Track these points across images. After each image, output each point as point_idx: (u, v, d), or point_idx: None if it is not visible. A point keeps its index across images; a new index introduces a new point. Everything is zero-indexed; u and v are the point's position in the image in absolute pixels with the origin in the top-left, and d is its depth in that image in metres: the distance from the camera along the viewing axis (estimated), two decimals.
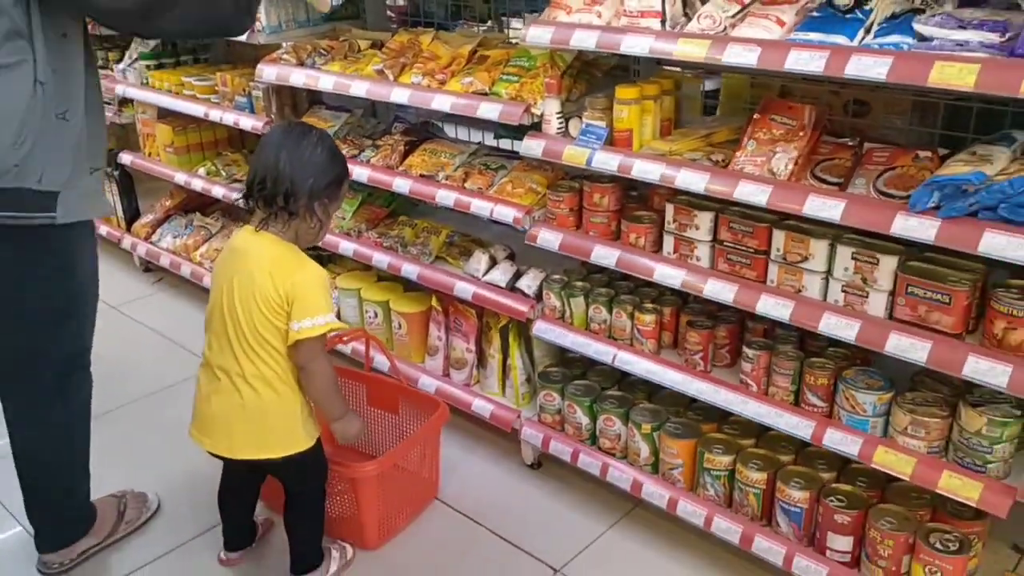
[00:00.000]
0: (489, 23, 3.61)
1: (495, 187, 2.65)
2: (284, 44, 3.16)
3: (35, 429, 2.15)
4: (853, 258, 1.90)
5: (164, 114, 3.87)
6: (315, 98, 3.38)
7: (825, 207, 1.84)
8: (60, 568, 2.29)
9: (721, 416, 2.35)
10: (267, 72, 3.05)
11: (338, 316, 3.11)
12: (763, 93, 2.42)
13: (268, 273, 1.92)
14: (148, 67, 3.82)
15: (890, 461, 1.91)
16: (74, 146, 1.89)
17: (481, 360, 2.83)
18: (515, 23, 3.36)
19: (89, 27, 1.98)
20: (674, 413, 2.43)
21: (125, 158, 4.06)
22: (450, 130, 3.37)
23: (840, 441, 1.98)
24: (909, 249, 1.89)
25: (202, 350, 2.10)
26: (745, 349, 2.17)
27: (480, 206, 2.58)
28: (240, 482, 2.27)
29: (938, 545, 1.89)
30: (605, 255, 2.33)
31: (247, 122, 3.28)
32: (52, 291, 2.02)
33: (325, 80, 2.88)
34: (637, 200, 2.49)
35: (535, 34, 2.24)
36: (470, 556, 2.39)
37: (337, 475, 2.32)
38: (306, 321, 1.92)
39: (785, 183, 1.94)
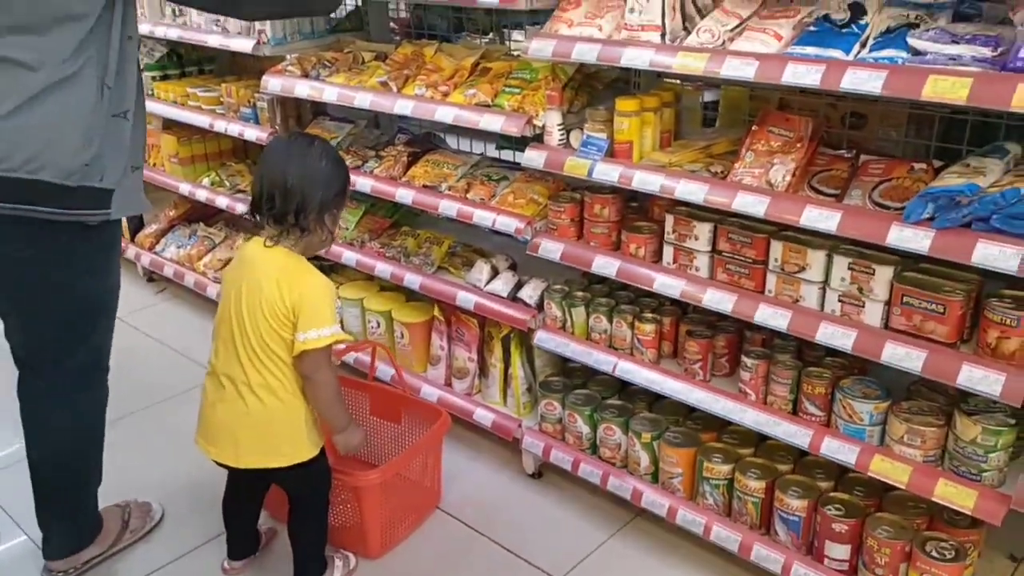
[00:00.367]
0: (491, 35, 3.65)
1: (497, 198, 2.68)
2: (288, 56, 3.20)
3: (53, 427, 2.17)
4: (849, 268, 1.93)
5: (169, 125, 3.90)
6: (319, 109, 3.41)
7: (822, 218, 1.87)
8: None
9: (720, 425, 2.37)
10: (272, 83, 3.08)
11: (341, 326, 3.13)
12: (762, 105, 2.46)
13: (275, 283, 1.94)
14: (154, 78, 3.86)
15: (887, 470, 1.93)
16: (128, 145, 1.97)
17: (483, 369, 2.85)
18: (516, 35, 3.40)
19: None
20: (674, 422, 2.45)
21: None
22: (452, 141, 3.41)
23: (837, 450, 2.00)
24: (904, 260, 1.91)
25: (208, 358, 2.12)
26: (744, 358, 2.20)
27: (482, 216, 2.61)
28: (244, 491, 2.29)
29: (934, 553, 1.91)
30: (606, 265, 2.35)
31: (252, 133, 3.32)
32: (92, 287, 2.09)
33: (329, 91, 2.91)
34: (637, 211, 2.52)
35: (537, 47, 2.28)
36: (471, 565, 2.41)
37: (340, 484, 2.34)
38: (312, 332, 1.94)
39: (783, 194, 1.97)
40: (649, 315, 2.41)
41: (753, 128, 2.12)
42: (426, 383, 2.95)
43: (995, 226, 1.66)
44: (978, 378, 1.73)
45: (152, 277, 4.22)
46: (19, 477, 2.31)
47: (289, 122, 3.36)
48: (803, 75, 1.81)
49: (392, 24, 3.58)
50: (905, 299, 1.85)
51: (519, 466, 2.78)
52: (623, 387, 2.63)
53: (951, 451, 1.89)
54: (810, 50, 1.85)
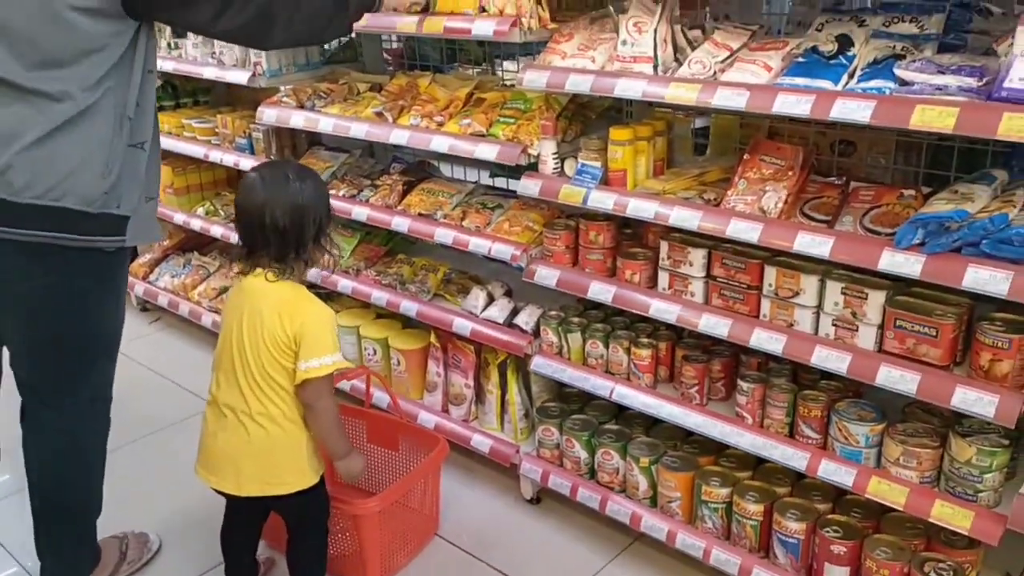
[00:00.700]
0: (483, 66, 3.70)
1: (493, 225, 2.71)
2: (283, 87, 3.24)
3: (56, 456, 2.17)
4: (842, 293, 1.96)
5: (164, 155, 3.91)
6: (314, 139, 3.45)
7: (815, 243, 1.91)
8: None
9: (717, 449, 2.39)
10: (268, 114, 3.12)
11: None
12: (752, 133, 2.51)
13: (276, 314, 1.96)
14: None
15: (884, 491, 1.95)
16: (143, 174, 2.01)
17: (479, 396, 2.87)
18: (508, 65, 3.45)
19: None
20: (671, 446, 2.47)
21: None
22: (446, 169, 3.44)
23: (834, 472, 2.02)
24: (896, 284, 1.95)
25: (209, 388, 2.13)
26: (740, 382, 2.22)
27: (478, 244, 2.64)
28: (243, 520, 2.29)
29: (932, 574, 1.93)
30: (602, 291, 2.38)
31: (247, 163, 3.34)
32: (102, 318, 2.11)
33: (325, 122, 2.95)
34: (631, 237, 2.55)
35: (532, 78, 2.32)
36: None
37: (339, 512, 2.34)
38: (313, 361, 1.96)
39: (776, 220, 2.00)
40: (645, 340, 2.44)
41: (745, 157, 2.16)
42: (423, 410, 2.96)
43: (985, 251, 1.69)
44: (972, 400, 1.76)
45: (146, 307, 4.22)
46: (13, 507, 2.30)
47: (284, 152, 3.39)
48: (793, 105, 1.86)
49: (385, 55, 3.63)
50: (898, 323, 1.88)
51: (517, 492, 2.78)
52: (620, 412, 2.65)
53: (947, 472, 1.91)
54: (799, 80, 1.90)
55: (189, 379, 3.55)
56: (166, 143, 3.73)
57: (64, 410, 2.14)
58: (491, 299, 2.78)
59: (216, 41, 3.30)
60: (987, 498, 1.86)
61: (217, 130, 3.55)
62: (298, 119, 3.04)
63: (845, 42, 1.93)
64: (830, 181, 2.11)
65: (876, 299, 1.92)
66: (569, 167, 2.44)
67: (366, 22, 2.62)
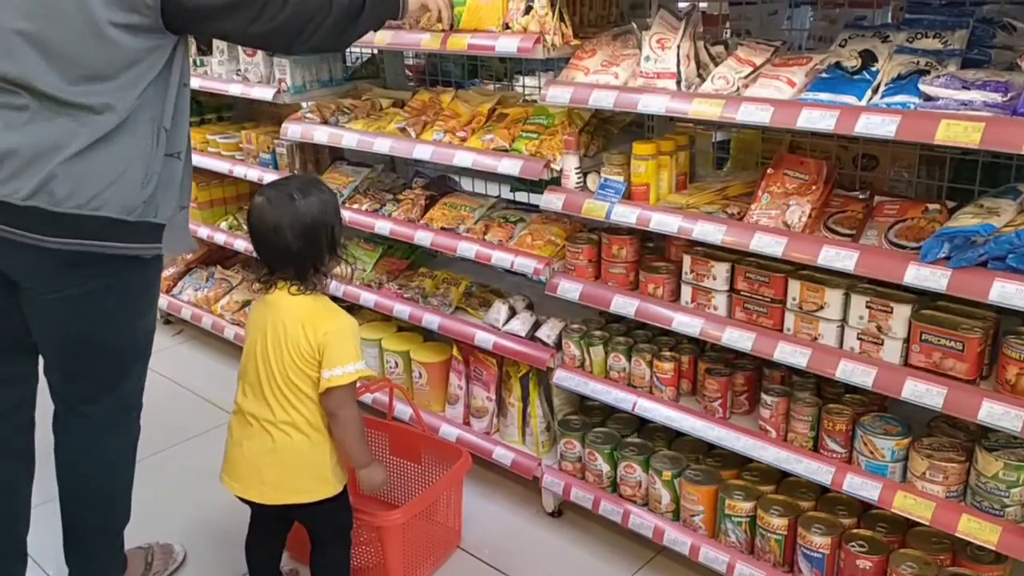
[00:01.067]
0: (504, 82, 3.73)
1: (515, 239, 2.73)
2: (306, 104, 3.29)
3: (88, 463, 2.20)
4: (867, 307, 1.97)
5: None
6: (336, 154, 3.49)
7: (839, 257, 1.92)
8: None
9: (740, 462, 2.39)
10: (292, 130, 3.16)
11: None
12: (773, 147, 2.52)
13: (300, 324, 1.99)
14: None
15: (910, 506, 1.95)
16: (179, 183, 2.06)
17: (501, 409, 2.88)
18: (529, 81, 3.48)
19: None
20: (694, 460, 2.47)
21: None
22: (467, 184, 3.48)
23: (860, 486, 2.02)
24: (921, 298, 1.95)
25: (235, 398, 2.15)
26: (763, 396, 2.23)
27: (501, 258, 2.66)
28: (268, 530, 2.31)
29: None
30: (624, 305, 2.39)
31: (271, 178, 3.38)
32: (137, 326, 2.15)
33: (349, 137, 2.99)
34: (653, 251, 2.56)
35: (555, 94, 2.35)
36: None
37: (363, 524, 2.36)
38: (337, 370, 1.98)
39: (800, 235, 2.01)
40: (667, 353, 2.45)
41: (769, 171, 2.17)
42: (445, 422, 2.97)
43: (1011, 265, 1.70)
44: (999, 414, 1.76)
45: (169, 319, 4.27)
46: (41, 516, 2.33)
47: (307, 167, 3.43)
48: (818, 120, 1.87)
49: (407, 71, 3.67)
50: (924, 336, 1.89)
51: (539, 504, 2.79)
52: (642, 425, 2.66)
53: (973, 486, 1.91)
54: (823, 96, 1.91)
55: (212, 391, 3.58)
56: (192, 158, 3.80)
57: (96, 418, 2.17)
58: (513, 312, 2.79)
59: (241, 58, 3.36)
60: (1014, 513, 1.85)
61: (241, 145, 3.60)
62: (322, 135, 3.08)
63: (869, 58, 1.95)
64: (854, 195, 2.12)
65: (902, 313, 1.92)
66: (592, 182, 2.46)
67: (390, 40, 2.67)
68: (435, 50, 2.57)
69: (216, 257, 4.21)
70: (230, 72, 3.48)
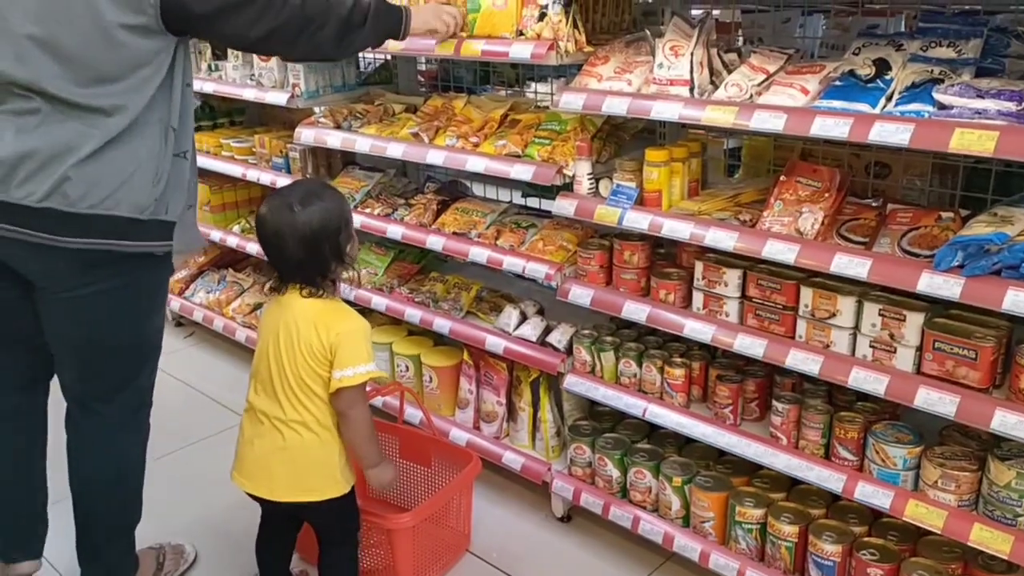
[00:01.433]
0: (516, 88, 3.75)
1: (527, 244, 2.74)
2: (319, 108, 3.31)
3: (100, 461, 2.23)
4: (880, 314, 1.97)
5: (201, 174, 3.99)
6: (348, 159, 3.51)
7: (852, 265, 1.92)
8: None
9: (751, 469, 2.39)
10: (305, 134, 3.18)
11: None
12: (785, 154, 2.52)
13: (312, 325, 2.00)
14: None
15: (921, 514, 1.94)
16: (187, 182, 2.10)
17: (511, 413, 2.88)
18: (540, 87, 3.50)
19: None
20: (704, 466, 2.47)
21: None
22: (479, 189, 3.49)
23: (872, 494, 2.01)
24: (934, 306, 1.95)
25: (247, 396, 2.17)
26: (775, 403, 2.23)
27: (512, 263, 2.67)
28: (278, 530, 2.32)
29: None
30: (636, 311, 2.40)
31: (284, 182, 3.40)
32: (149, 324, 2.19)
33: (362, 142, 3.00)
34: (665, 257, 2.57)
35: (568, 100, 2.36)
36: None
37: (373, 527, 2.36)
38: (348, 370, 2.00)
39: (813, 242, 2.02)
40: (679, 359, 2.45)
41: (781, 178, 2.18)
42: (455, 426, 2.98)
43: None
44: (1012, 423, 1.76)
45: (180, 321, 4.29)
46: (53, 516, 2.35)
47: (320, 171, 3.45)
48: (831, 128, 1.88)
49: (420, 76, 3.69)
50: (937, 345, 1.89)
51: (548, 509, 2.79)
52: (652, 430, 2.66)
53: (985, 496, 1.90)
54: (837, 103, 1.92)
55: (223, 393, 3.60)
56: (204, 162, 3.83)
57: (108, 417, 2.20)
58: (524, 317, 2.80)
59: (256, 63, 3.38)
60: None
61: (254, 149, 3.63)
62: (335, 139, 3.10)
63: (883, 66, 1.95)
64: (867, 203, 2.12)
65: (915, 321, 1.92)
66: (604, 187, 2.47)
67: (404, 45, 2.68)
68: (449, 56, 2.59)
69: (228, 260, 4.23)
70: (244, 77, 3.51)
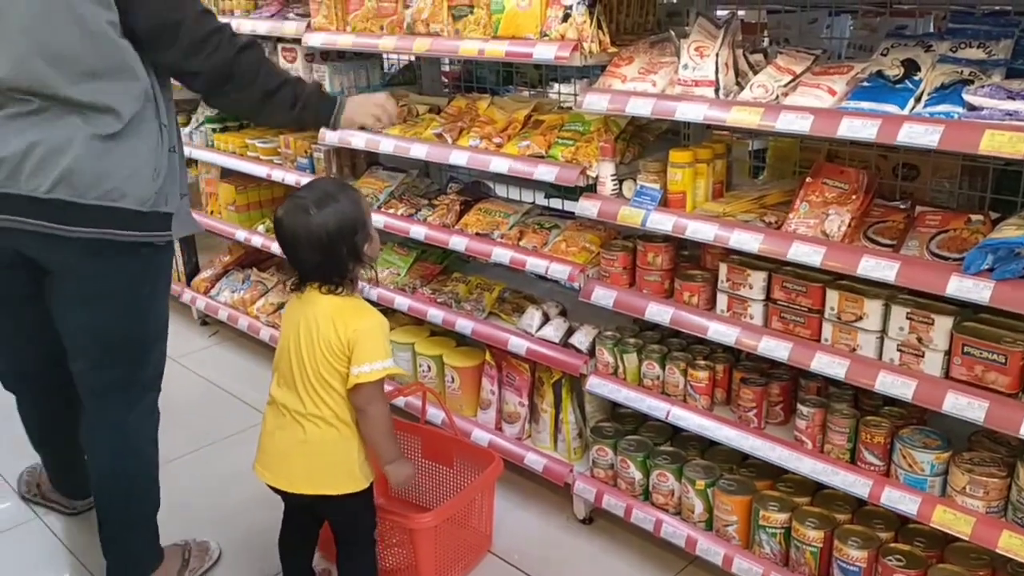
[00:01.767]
0: (540, 88, 3.75)
1: (550, 245, 2.74)
2: None
3: (115, 447, 2.31)
4: (908, 318, 1.95)
5: (226, 174, 4.05)
6: (372, 159, 3.52)
7: (879, 267, 1.90)
8: None
9: (774, 473, 2.37)
10: (330, 135, 3.20)
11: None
12: (811, 156, 2.50)
13: (331, 321, 2.03)
14: (214, 130, 4.02)
15: (949, 520, 1.92)
16: (178, 173, 2.21)
17: (533, 414, 2.89)
18: (564, 88, 3.50)
19: None
20: (727, 469, 2.46)
21: None
22: (501, 190, 3.49)
23: (898, 500, 1.99)
24: (963, 310, 1.93)
25: (269, 389, 2.19)
26: (800, 407, 2.21)
27: (535, 264, 2.67)
28: (300, 526, 2.34)
29: None
30: (659, 313, 2.39)
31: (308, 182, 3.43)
32: (156, 308, 2.30)
33: (386, 143, 3.02)
34: (689, 259, 2.56)
35: (592, 101, 2.36)
36: None
37: (395, 526, 2.37)
38: (365, 366, 2.02)
39: (839, 244, 2.00)
40: (702, 362, 2.44)
41: (807, 180, 2.16)
42: (477, 427, 2.99)
43: None
44: None
45: (205, 320, 4.34)
46: (80, 517, 2.39)
47: (344, 171, 3.48)
48: (859, 129, 1.86)
49: (443, 77, 3.70)
50: (966, 349, 1.86)
51: (569, 511, 2.79)
52: (675, 433, 2.65)
53: (1014, 502, 1.87)
54: (865, 105, 1.90)
55: (246, 392, 3.63)
56: (230, 162, 3.87)
57: (121, 403, 2.28)
58: (546, 318, 2.80)
59: (283, 64, 3.41)
60: None
61: (280, 150, 3.65)
62: (359, 140, 3.11)
63: (911, 67, 1.93)
64: (895, 205, 2.10)
65: (943, 325, 1.90)
66: (628, 189, 2.46)
67: (428, 47, 2.70)
68: (473, 58, 2.59)
69: (252, 260, 4.27)
70: None
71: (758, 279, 2.21)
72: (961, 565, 2.02)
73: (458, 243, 2.88)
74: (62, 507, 2.85)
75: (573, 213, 2.70)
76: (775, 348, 2.15)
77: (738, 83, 2.20)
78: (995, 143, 1.68)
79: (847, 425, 2.12)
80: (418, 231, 3.00)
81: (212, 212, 4.20)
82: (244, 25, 3.44)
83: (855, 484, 2.07)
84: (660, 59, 2.37)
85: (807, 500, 2.29)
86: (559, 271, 2.62)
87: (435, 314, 3.02)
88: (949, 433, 2.04)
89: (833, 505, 2.25)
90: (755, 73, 2.18)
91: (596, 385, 2.61)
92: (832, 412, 2.15)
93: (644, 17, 2.76)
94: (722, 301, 2.30)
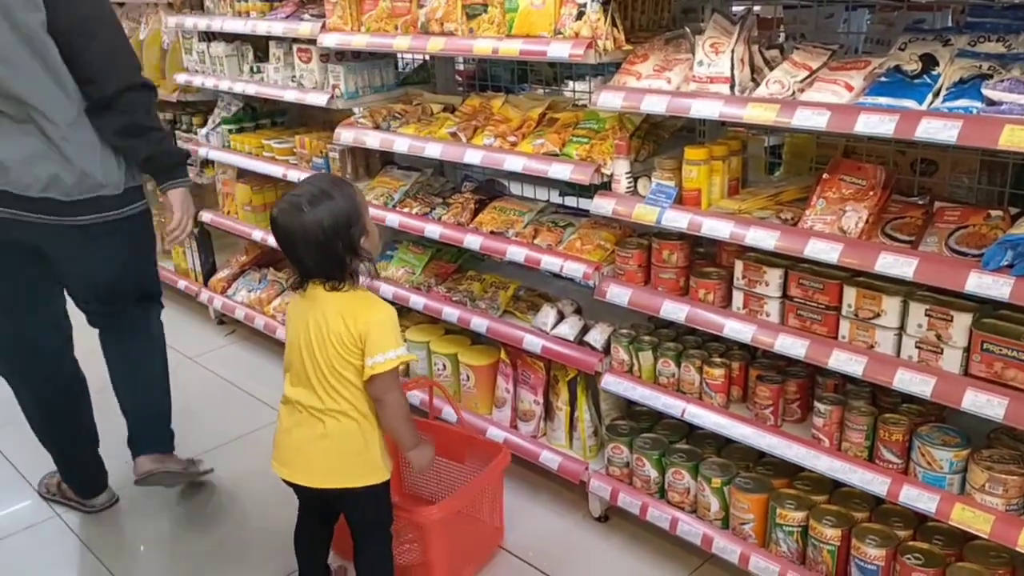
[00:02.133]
0: (554, 86, 3.75)
1: (564, 244, 2.74)
2: (357, 109, 3.34)
3: (139, 344, 2.79)
4: (927, 315, 1.93)
5: (243, 174, 4.07)
6: (387, 158, 3.53)
7: (898, 264, 1.88)
8: (148, 475, 2.73)
9: (791, 471, 2.36)
10: (345, 135, 3.21)
11: (407, 367, 3.24)
12: (828, 152, 2.49)
13: (340, 316, 2.04)
14: (230, 131, 4.04)
15: (968, 519, 1.90)
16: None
17: (548, 412, 2.89)
18: (579, 86, 3.49)
19: None
20: (743, 467, 2.45)
21: (205, 216, 4.26)
22: (516, 188, 3.49)
23: (917, 498, 1.98)
24: (983, 306, 1.91)
25: (284, 389, 2.20)
26: (817, 404, 2.20)
27: (550, 262, 2.67)
28: (315, 522, 2.35)
29: None
30: (674, 310, 2.38)
31: None
32: (148, 261, 2.78)
33: (400, 142, 3.03)
34: (704, 256, 2.55)
35: (607, 99, 2.35)
36: None
37: (405, 521, 2.38)
38: (379, 356, 2.03)
39: (856, 241, 1.99)
40: (718, 360, 2.43)
41: (824, 176, 2.15)
42: (492, 425, 2.99)
43: None
44: None
45: (222, 319, 4.36)
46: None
47: (359, 171, 3.49)
48: (876, 125, 1.84)
49: (457, 76, 3.71)
50: (985, 346, 1.85)
51: (585, 509, 2.79)
52: (690, 431, 2.64)
53: None
54: (882, 100, 1.89)
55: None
56: (246, 162, 3.90)
57: (143, 317, 2.78)
58: (561, 316, 2.80)
59: (297, 65, 3.43)
60: None
61: (295, 150, 3.67)
62: (374, 139, 3.12)
63: (929, 61, 1.91)
64: (913, 201, 2.08)
65: (962, 321, 1.88)
66: (643, 186, 2.45)
67: (442, 46, 2.70)
68: (487, 56, 2.60)
69: (269, 259, 4.29)
70: (286, 79, 3.56)
71: (774, 276, 2.20)
72: (980, 563, 2.00)
73: (473, 241, 2.88)
74: (81, 505, 2.89)
75: (588, 211, 2.70)
76: (792, 345, 2.14)
77: (754, 79, 2.19)
78: (1015, 138, 1.66)
79: (865, 423, 2.10)
80: (433, 230, 3.01)
81: (229, 212, 4.23)
82: (260, 27, 3.46)
83: (873, 482, 2.05)
84: (675, 56, 2.36)
85: (824, 498, 2.28)
86: (574, 269, 2.61)
87: (450, 312, 3.03)
88: (968, 430, 2.02)
89: (851, 503, 2.24)
90: (771, 69, 2.17)
91: (611, 383, 2.60)
92: (850, 409, 2.14)
93: (659, 14, 2.75)
94: (738, 298, 2.30)
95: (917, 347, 1.96)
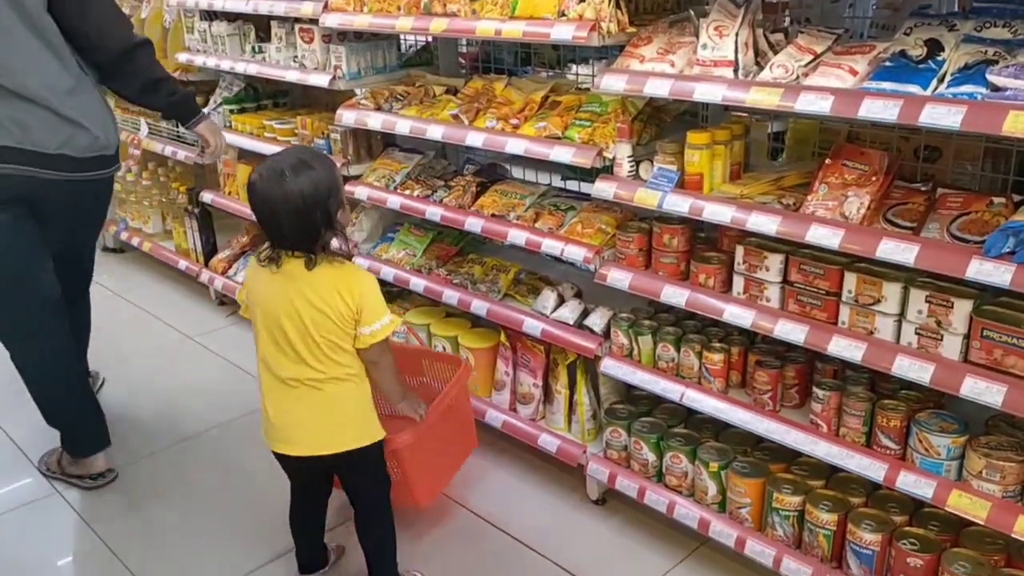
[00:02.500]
0: (557, 69, 3.73)
1: (565, 227, 2.74)
2: (360, 90, 3.32)
3: (85, 317, 3.19)
4: (927, 301, 1.93)
5: (244, 155, 4.06)
6: (389, 140, 3.52)
7: (899, 250, 1.88)
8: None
9: (788, 456, 2.36)
10: (347, 116, 3.20)
11: None
12: (831, 137, 2.48)
13: (336, 292, 2.04)
14: (232, 111, 4.03)
15: (965, 505, 1.91)
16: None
17: (547, 396, 2.89)
18: (582, 69, 3.47)
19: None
20: (741, 452, 2.46)
21: (206, 196, 4.26)
22: (517, 171, 3.48)
23: (914, 484, 1.98)
24: (983, 293, 1.91)
25: (260, 376, 2.19)
26: (815, 390, 2.20)
27: (551, 245, 2.67)
28: (309, 500, 2.37)
29: None
30: (675, 295, 2.38)
31: None
32: (103, 224, 3.11)
33: (402, 124, 3.01)
34: (705, 241, 2.54)
35: (609, 82, 2.34)
36: None
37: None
38: (376, 324, 2.10)
39: (858, 226, 1.98)
40: (717, 344, 2.43)
41: (827, 162, 2.14)
42: (491, 407, 3.00)
43: None
44: None
45: (223, 300, 4.36)
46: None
47: (360, 152, 3.48)
48: (880, 110, 1.83)
49: (460, 59, 3.68)
50: (985, 333, 1.85)
51: (583, 492, 2.80)
52: (689, 415, 2.65)
53: None
54: (887, 85, 1.88)
55: None
56: (248, 143, 3.88)
57: (87, 283, 3.16)
58: (561, 300, 2.80)
59: (299, 45, 3.42)
60: None
61: (297, 131, 3.66)
62: (376, 121, 3.11)
63: (935, 46, 1.90)
64: (915, 187, 2.08)
65: (962, 308, 1.88)
66: (644, 170, 2.45)
67: (445, 27, 2.68)
68: (491, 38, 2.58)
69: None
70: (287, 59, 3.54)
71: (775, 261, 2.20)
72: (976, 549, 2.01)
73: (474, 224, 2.88)
74: (81, 482, 2.90)
75: (589, 195, 2.70)
76: (791, 331, 2.14)
77: (758, 63, 2.18)
78: (1019, 124, 1.65)
79: (863, 408, 2.11)
80: (434, 212, 3.01)
81: (230, 193, 4.21)
82: (262, 6, 3.44)
83: (870, 468, 2.06)
84: (679, 39, 2.35)
85: (821, 483, 2.29)
86: (575, 253, 2.61)
87: (451, 295, 3.03)
88: (966, 417, 2.03)
89: (848, 488, 2.25)
90: (775, 53, 2.15)
91: (610, 367, 2.61)
92: (848, 395, 2.15)
93: None
94: (738, 283, 2.29)
95: (917, 333, 1.96)
